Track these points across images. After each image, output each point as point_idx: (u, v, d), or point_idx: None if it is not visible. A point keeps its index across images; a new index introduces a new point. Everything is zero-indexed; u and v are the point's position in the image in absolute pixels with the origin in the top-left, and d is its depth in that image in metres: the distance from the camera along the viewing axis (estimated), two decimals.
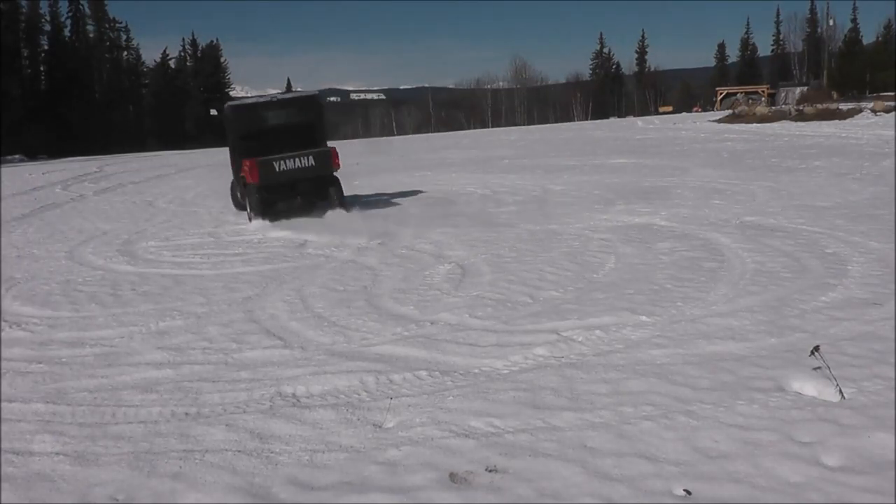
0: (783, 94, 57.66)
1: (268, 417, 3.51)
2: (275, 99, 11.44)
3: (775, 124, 29.25)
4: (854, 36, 76.42)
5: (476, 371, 4.02)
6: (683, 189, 11.59)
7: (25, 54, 63.27)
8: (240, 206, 11.69)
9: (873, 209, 8.66)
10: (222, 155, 13.07)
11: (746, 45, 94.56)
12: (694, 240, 7.43)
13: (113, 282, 6.95)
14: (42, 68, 65.71)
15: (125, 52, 72.87)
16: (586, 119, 79.21)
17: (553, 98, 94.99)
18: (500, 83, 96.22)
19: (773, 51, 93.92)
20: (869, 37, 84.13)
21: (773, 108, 38.98)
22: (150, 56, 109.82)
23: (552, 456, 2.93)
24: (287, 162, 10.40)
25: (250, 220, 10.45)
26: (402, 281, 6.31)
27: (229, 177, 12.41)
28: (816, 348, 3.56)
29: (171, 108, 70.84)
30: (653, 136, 29.30)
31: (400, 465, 2.94)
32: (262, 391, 3.87)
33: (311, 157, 10.46)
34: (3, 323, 5.58)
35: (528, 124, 75.68)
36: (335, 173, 10.86)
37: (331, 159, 10.55)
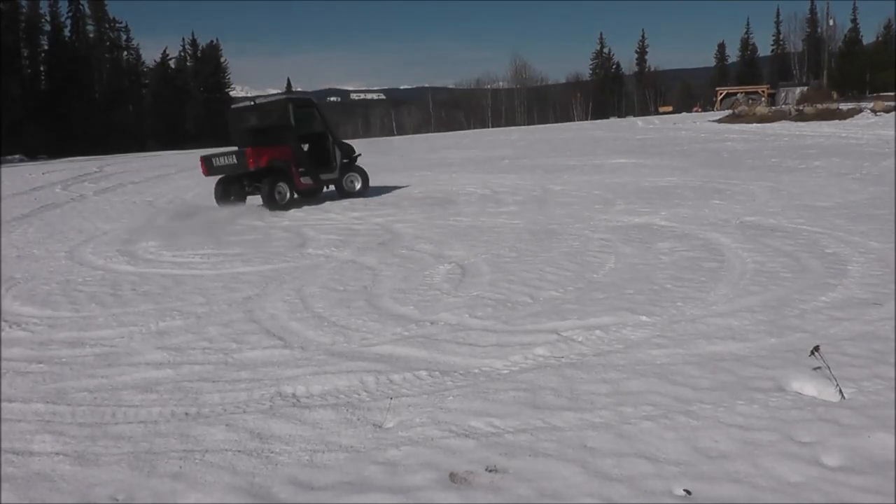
0: (783, 94, 57.77)
1: (268, 417, 3.50)
2: (255, 102, 12.92)
3: (775, 124, 29.29)
4: (854, 36, 76.60)
5: (476, 371, 4.02)
6: (683, 189, 11.60)
7: (25, 54, 63.37)
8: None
9: (873, 209, 8.66)
10: None
11: (746, 45, 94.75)
12: (694, 240, 7.43)
13: (113, 282, 6.95)
14: (42, 68, 65.81)
15: (125, 52, 73.01)
16: (586, 119, 79.30)
17: (553, 98, 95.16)
18: (500, 83, 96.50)
19: (773, 51, 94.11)
20: (869, 37, 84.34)
21: (773, 108, 39.03)
22: (150, 56, 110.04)
23: (552, 456, 2.93)
24: (220, 159, 11.88)
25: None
26: (402, 281, 6.31)
27: None
28: (816, 348, 3.56)
29: (171, 108, 70.97)
30: (653, 136, 29.33)
31: (400, 465, 2.94)
32: (262, 391, 3.86)
33: (233, 156, 11.70)
34: (3, 323, 5.57)
35: (528, 124, 75.75)
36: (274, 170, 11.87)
37: (245, 158, 11.50)
